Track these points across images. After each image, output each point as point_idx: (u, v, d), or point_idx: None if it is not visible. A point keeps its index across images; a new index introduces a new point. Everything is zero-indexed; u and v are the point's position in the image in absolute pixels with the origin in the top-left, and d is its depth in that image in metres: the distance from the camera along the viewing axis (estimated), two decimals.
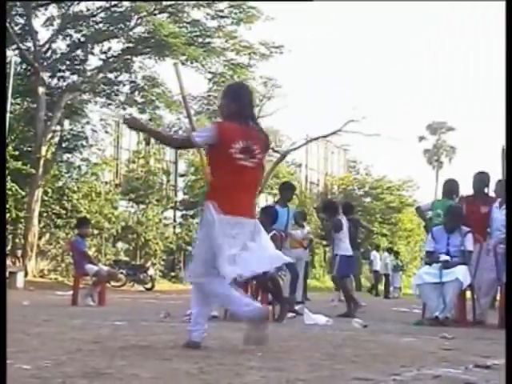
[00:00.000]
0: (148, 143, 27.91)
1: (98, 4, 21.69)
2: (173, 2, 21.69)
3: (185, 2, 21.90)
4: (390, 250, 26.10)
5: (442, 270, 7.76)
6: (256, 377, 3.39)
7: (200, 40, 22.50)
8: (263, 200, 31.71)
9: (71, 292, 11.28)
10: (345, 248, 9.93)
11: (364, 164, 42.30)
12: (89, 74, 22.47)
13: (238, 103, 4.57)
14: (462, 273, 7.67)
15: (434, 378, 3.48)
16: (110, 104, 23.79)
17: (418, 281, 8.13)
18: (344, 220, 10.03)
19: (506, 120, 6.73)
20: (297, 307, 9.78)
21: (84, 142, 23.75)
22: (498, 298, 8.52)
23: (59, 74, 22.70)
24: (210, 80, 25.05)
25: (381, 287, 25.05)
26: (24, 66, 21.91)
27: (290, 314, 8.33)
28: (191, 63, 22.51)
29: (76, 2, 21.59)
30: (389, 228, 38.52)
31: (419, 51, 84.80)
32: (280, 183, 10.90)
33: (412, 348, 5.07)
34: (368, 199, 39.04)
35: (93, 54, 22.48)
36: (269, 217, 8.49)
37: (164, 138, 5.26)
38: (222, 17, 22.42)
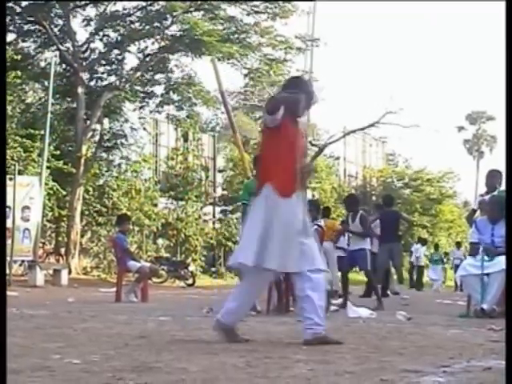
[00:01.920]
0: (186, 140, 28.05)
1: (134, 3, 21.83)
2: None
3: None
4: (423, 242, 25.56)
5: (484, 262, 7.66)
6: (303, 369, 3.38)
7: (236, 36, 22.47)
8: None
9: (114, 289, 11.40)
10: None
11: (403, 156, 41.99)
12: (126, 73, 22.65)
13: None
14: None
15: (485, 370, 3.43)
16: (146, 103, 23.92)
17: (463, 272, 8.04)
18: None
19: (506, 120, 6.63)
20: (338, 301, 9.76)
21: (123, 140, 23.96)
22: None
23: (98, 74, 22.93)
24: (246, 76, 25.04)
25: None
26: (63, 67, 22.17)
27: (333, 307, 8.30)
28: (227, 60, 22.52)
29: (113, 2, 21.77)
30: (429, 220, 38.13)
31: (457, 39, 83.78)
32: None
33: (459, 340, 5.01)
34: (407, 191, 38.72)
35: (130, 52, 22.66)
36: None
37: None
38: (257, 12, 22.38)
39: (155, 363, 3.52)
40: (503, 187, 8.62)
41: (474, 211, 9.03)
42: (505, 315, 7.34)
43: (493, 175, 8.69)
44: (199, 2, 21.64)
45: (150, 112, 24.11)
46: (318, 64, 46.25)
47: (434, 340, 4.99)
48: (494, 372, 3.38)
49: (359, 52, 73.85)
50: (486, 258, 7.70)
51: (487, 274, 7.66)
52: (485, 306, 7.53)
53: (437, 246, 26.96)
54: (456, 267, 24.40)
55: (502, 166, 9.01)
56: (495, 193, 8.48)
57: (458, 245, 27.12)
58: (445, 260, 26.29)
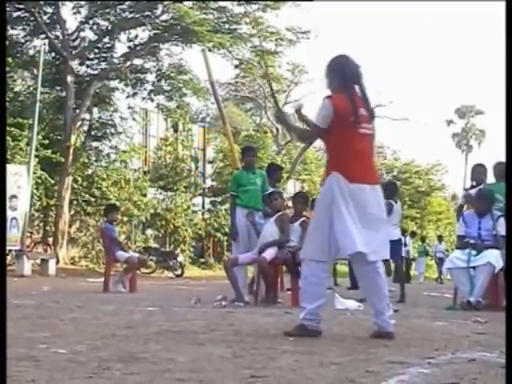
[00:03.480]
0: (176, 130, 28.01)
1: None
2: None
3: None
4: (412, 234, 25.58)
5: (470, 255, 7.71)
6: (290, 360, 3.40)
7: (226, 26, 22.43)
8: (291, 186, 31.71)
9: (102, 279, 11.37)
10: None
11: (391, 149, 42.12)
12: (116, 61, 22.56)
13: (340, 76, 4.63)
14: (493, 257, 7.61)
15: (469, 362, 3.46)
16: (136, 92, 23.84)
17: (450, 265, 8.08)
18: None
19: (506, 121, 6.66)
20: (327, 291, 9.77)
21: (112, 130, 23.88)
22: None
23: (87, 63, 22.84)
24: (236, 67, 25.04)
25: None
26: (53, 55, 22.05)
27: None
28: (218, 50, 22.47)
29: None
30: (418, 212, 38.29)
31: (446, 33, 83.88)
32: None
33: (445, 332, 5.05)
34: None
35: (119, 41, 22.56)
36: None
37: (302, 132, 5.01)
38: (248, 1, 22.31)
39: (142, 353, 3.52)
40: (489, 181, 8.68)
41: (462, 206, 9.07)
42: (493, 309, 7.42)
43: (478, 170, 8.77)
44: None
45: (143, 99, 23.96)
46: (308, 57, 46.31)
47: (419, 332, 5.02)
48: (478, 363, 3.41)
49: (349, 46, 73.79)
50: (473, 252, 7.74)
51: (473, 267, 7.71)
52: (471, 299, 7.58)
53: (423, 239, 27.07)
54: (439, 260, 24.78)
55: (490, 160, 9.07)
56: (481, 186, 8.52)
57: (440, 238, 27.42)
58: (429, 252, 26.45)
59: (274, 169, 9.67)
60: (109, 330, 4.60)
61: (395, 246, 9.70)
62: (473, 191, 8.53)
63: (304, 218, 8.32)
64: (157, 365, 3.19)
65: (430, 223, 39.55)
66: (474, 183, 8.73)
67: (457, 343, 4.28)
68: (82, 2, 21.66)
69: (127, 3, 21.83)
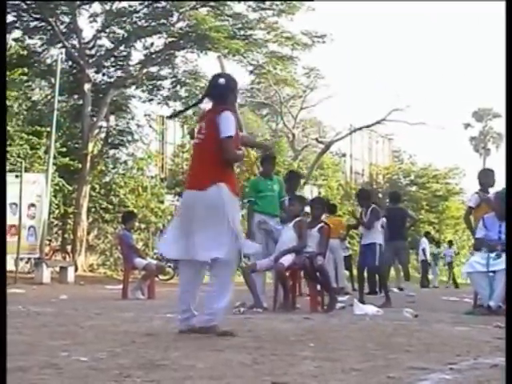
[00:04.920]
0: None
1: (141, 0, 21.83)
2: None
3: None
4: (430, 239, 25.38)
5: (489, 259, 7.65)
6: (310, 367, 3.39)
7: (242, 33, 22.48)
8: (308, 191, 31.65)
9: (121, 286, 11.41)
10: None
11: (408, 153, 41.92)
12: (132, 69, 22.66)
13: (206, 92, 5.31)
14: None
15: (492, 367, 3.43)
16: (152, 98, 23.92)
17: (469, 269, 8.01)
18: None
19: (506, 121, 6.62)
20: (345, 297, 9.75)
21: (129, 137, 23.97)
22: None
23: (104, 71, 22.97)
24: (251, 72, 25.04)
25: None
26: (70, 64, 22.19)
27: (339, 305, 8.31)
28: (233, 56, 22.52)
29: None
30: (436, 216, 38.06)
31: (464, 37, 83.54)
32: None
33: (466, 337, 5.00)
34: (414, 188, 38.65)
35: (136, 49, 22.67)
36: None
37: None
38: (263, 8, 22.37)
39: (162, 360, 3.52)
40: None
41: (471, 209, 9.04)
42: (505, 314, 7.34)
43: (486, 174, 8.85)
44: None
45: (158, 104, 24.03)
46: (324, 61, 46.23)
47: (440, 337, 4.98)
48: (500, 369, 3.37)
49: (366, 49, 73.78)
50: (491, 254, 7.68)
51: (493, 272, 7.65)
52: (491, 304, 7.52)
53: (438, 243, 26.92)
54: (448, 264, 25.09)
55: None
56: (500, 190, 8.45)
57: (450, 243, 27.40)
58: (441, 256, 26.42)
59: (293, 176, 9.63)
60: (128, 337, 4.61)
61: (369, 248, 9.69)
62: (491, 195, 8.50)
63: (322, 224, 8.32)
64: (177, 372, 3.19)
65: (448, 227, 39.27)
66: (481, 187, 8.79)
67: (478, 348, 4.25)
68: (99, 11, 21.81)
69: (143, 11, 21.95)
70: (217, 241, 4.74)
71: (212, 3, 21.82)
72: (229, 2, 22.09)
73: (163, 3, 21.76)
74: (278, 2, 22.10)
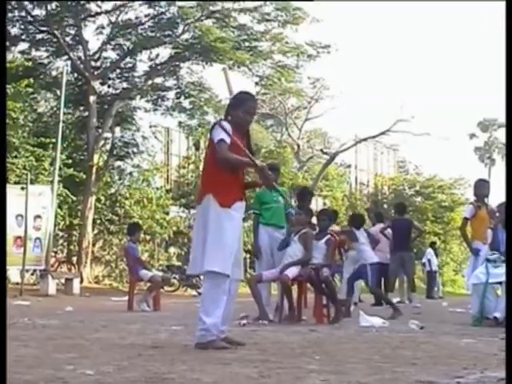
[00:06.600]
0: (197, 148, 28.09)
1: (146, 12, 21.94)
2: (219, 8, 21.80)
3: (231, 7, 21.99)
4: (433, 246, 25.17)
5: (488, 270, 7.65)
6: (317, 380, 3.37)
7: (247, 44, 22.53)
8: (313, 202, 31.62)
9: (126, 297, 11.41)
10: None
11: (413, 164, 41.86)
12: (137, 80, 22.73)
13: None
14: None
15: (499, 381, 3.41)
16: (157, 108, 23.97)
17: (475, 280, 7.98)
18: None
19: (506, 121, 6.62)
20: (351, 308, 9.69)
21: (135, 149, 24.03)
22: None
23: (109, 82, 23.04)
24: (257, 83, 25.07)
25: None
26: (75, 76, 22.27)
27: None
28: (238, 67, 22.57)
29: (125, 11, 21.87)
30: (441, 227, 37.94)
31: (469, 47, 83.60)
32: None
33: (473, 350, 4.98)
34: (419, 199, 38.56)
35: (141, 61, 22.75)
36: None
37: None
38: (268, 20, 22.43)
39: (168, 374, 3.52)
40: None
41: (467, 220, 9.04)
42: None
43: (480, 185, 8.91)
44: (210, 10, 21.67)
45: (162, 114, 24.09)
46: (329, 72, 46.29)
47: (447, 350, 4.96)
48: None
49: (370, 60, 73.79)
50: (489, 265, 7.71)
51: (500, 283, 7.63)
52: (497, 315, 7.48)
53: (437, 253, 26.76)
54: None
55: None
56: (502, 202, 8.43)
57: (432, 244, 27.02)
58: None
59: (305, 193, 9.53)
60: (135, 350, 4.60)
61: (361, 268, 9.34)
62: (494, 206, 8.55)
63: (329, 236, 8.31)
64: None
65: (454, 238, 39.14)
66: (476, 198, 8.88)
67: (485, 362, 4.23)
68: (105, 23, 21.91)
69: (148, 23, 22.04)
70: (206, 253, 4.80)
71: (217, 15, 21.89)
72: (233, 14, 22.15)
73: (168, 15, 21.85)
74: (282, 14, 22.15)
